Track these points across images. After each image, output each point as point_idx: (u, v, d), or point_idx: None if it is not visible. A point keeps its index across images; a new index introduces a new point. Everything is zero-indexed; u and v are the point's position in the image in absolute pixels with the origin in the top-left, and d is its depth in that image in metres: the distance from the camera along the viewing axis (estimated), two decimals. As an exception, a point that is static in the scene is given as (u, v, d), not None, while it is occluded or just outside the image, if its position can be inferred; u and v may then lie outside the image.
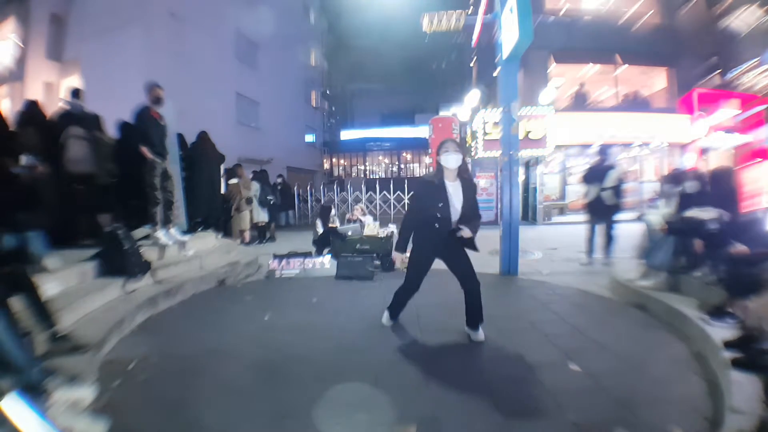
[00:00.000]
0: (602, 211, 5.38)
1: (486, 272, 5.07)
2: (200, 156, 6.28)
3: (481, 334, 2.84)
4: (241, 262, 5.19)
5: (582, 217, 5.72)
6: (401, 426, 1.87)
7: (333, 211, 6.43)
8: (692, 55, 11.96)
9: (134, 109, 4.42)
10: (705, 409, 1.95)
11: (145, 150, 4.29)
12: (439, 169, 2.78)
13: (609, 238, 5.38)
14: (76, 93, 4.72)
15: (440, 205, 2.73)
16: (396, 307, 3.13)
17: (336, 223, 6.19)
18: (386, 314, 3.18)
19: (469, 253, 2.88)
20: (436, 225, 2.75)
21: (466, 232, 2.73)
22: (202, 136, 6.50)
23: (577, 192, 11.86)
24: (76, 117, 4.53)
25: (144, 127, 4.36)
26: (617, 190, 5.31)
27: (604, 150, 5.66)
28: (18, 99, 12.08)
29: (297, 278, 4.97)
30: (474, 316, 2.83)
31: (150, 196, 4.43)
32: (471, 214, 2.80)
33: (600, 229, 5.44)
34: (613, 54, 12.12)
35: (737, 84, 10.91)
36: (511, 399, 2.09)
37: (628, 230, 4.80)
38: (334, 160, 33.02)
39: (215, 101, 15.48)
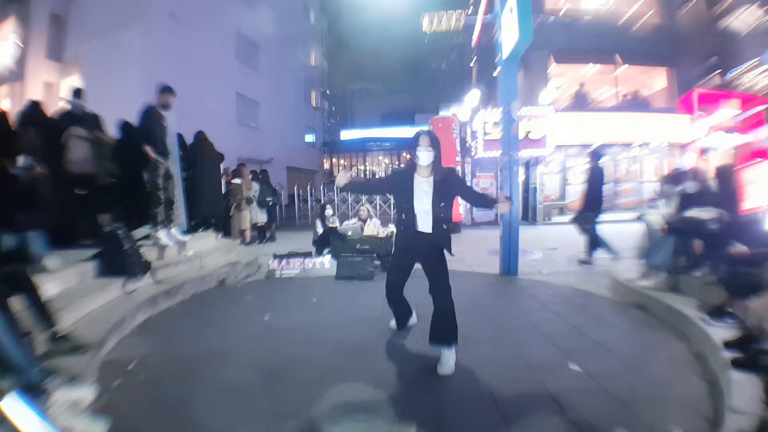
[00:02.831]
0: (579, 211, 5.68)
1: (486, 272, 5.09)
2: (200, 156, 6.28)
3: (448, 363, 2.38)
4: (241, 262, 5.19)
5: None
6: (401, 426, 1.87)
7: (330, 210, 6.37)
8: (692, 55, 11.95)
9: (140, 108, 4.44)
10: (705, 409, 1.95)
11: (148, 149, 4.30)
12: (411, 162, 2.60)
13: (590, 238, 5.47)
14: (77, 93, 4.72)
15: (404, 203, 2.56)
16: (395, 312, 2.98)
17: (336, 223, 6.18)
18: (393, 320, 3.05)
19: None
20: (404, 221, 2.58)
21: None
22: (200, 136, 6.48)
23: (577, 192, 11.92)
24: (78, 117, 4.53)
25: (148, 126, 4.37)
26: (589, 191, 5.49)
27: (593, 152, 5.82)
28: (18, 99, 12.09)
29: (297, 278, 4.97)
30: (439, 329, 2.45)
31: (152, 196, 4.44)
32: (442, 217, 2.52)
33: (582, 228, 5.63)
34: (613, 54, 12.11)
35: (737, 84, 10.90)
36: (511, 399, 2.09)
37: (629, 230, 4.80)
38: (334, 160, 33.02)
39: (215, 101, 15.49)
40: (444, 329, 2.45)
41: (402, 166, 2.69)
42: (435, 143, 2.54)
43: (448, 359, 2.41)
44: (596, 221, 5.47)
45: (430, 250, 2.55)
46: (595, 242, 5.46)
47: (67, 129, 4.40)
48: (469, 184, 10.89)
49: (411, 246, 2.59)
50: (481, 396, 2.13)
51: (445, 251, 2.57)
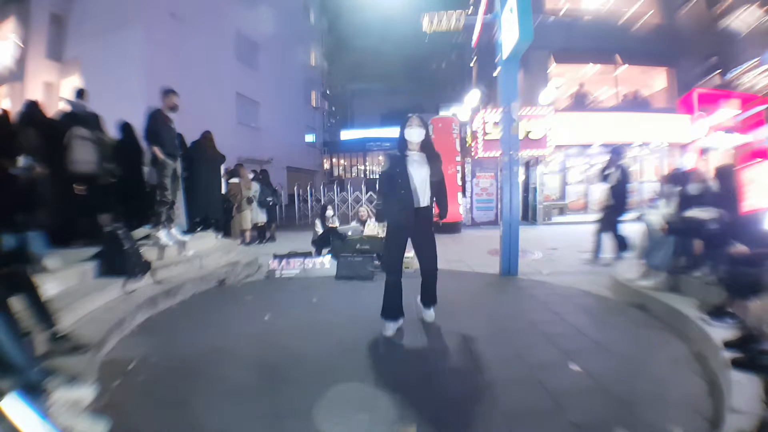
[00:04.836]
0: (605, 211, 5.50)
1: (486, 272, 5.09)
2: (201, 156, 6.28)
3: (431, 314, 3.12)
4: (241, 262, 5.18)
5: (581, 217, 5.75)
6: (401, 426, 1.87)
7: (330, 211, 6.38)
8: (692, 55, 11.95)
9: (146, 111, 4.48)
10: (705, 409, 1.95)
11: (156, 150, 4.32)
12: (402, 142, 2.90)
13: (615, 239, 5.30)
14: (80, 93, 4.72)
15: (400, 180, 2.83)
16: (389, 307, 2.95)
17: (336, 223, 6.19)
18: (384, 323, 2.96)
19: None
20: (401, 198, 2.82)
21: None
22: (206, 135, 6.48)
23: (577, 192, 11.93)
24: (80, 117, 4.53)
25: (155, 128, 4.39)
26: (616, 191, 5.34)
27: (614, 150, 5.58)
28: (18, 99, 12.09)
29: (297, 278, 4.97)
30: (427, 295, 3.09)
31: (160, 197, 4.46)
32: (436, 186, 2.91)
33: (605, 228, 5.44)
34: (613, 54, 12.12)
35: (737, 84, 10.90)
36: (511, 399, 2.09)
37: (628, 230, 4.80)
38: (334, 160, 33.02)
39: (215, 101, 15.48)
40: (432, 294, 3.07)
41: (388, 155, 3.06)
42: (425, 124, 2.87)
43: (431, 313, 3.14)
44: (620, 221, 5.31)
45: (425, 222, 2.92)
46: (619, 242, 5.25)
47: (69, 129, 4.40)
48: (467, 184, 10.94)
49: (408, 223, 2.84)
50: (481, 396, 2.13)
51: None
